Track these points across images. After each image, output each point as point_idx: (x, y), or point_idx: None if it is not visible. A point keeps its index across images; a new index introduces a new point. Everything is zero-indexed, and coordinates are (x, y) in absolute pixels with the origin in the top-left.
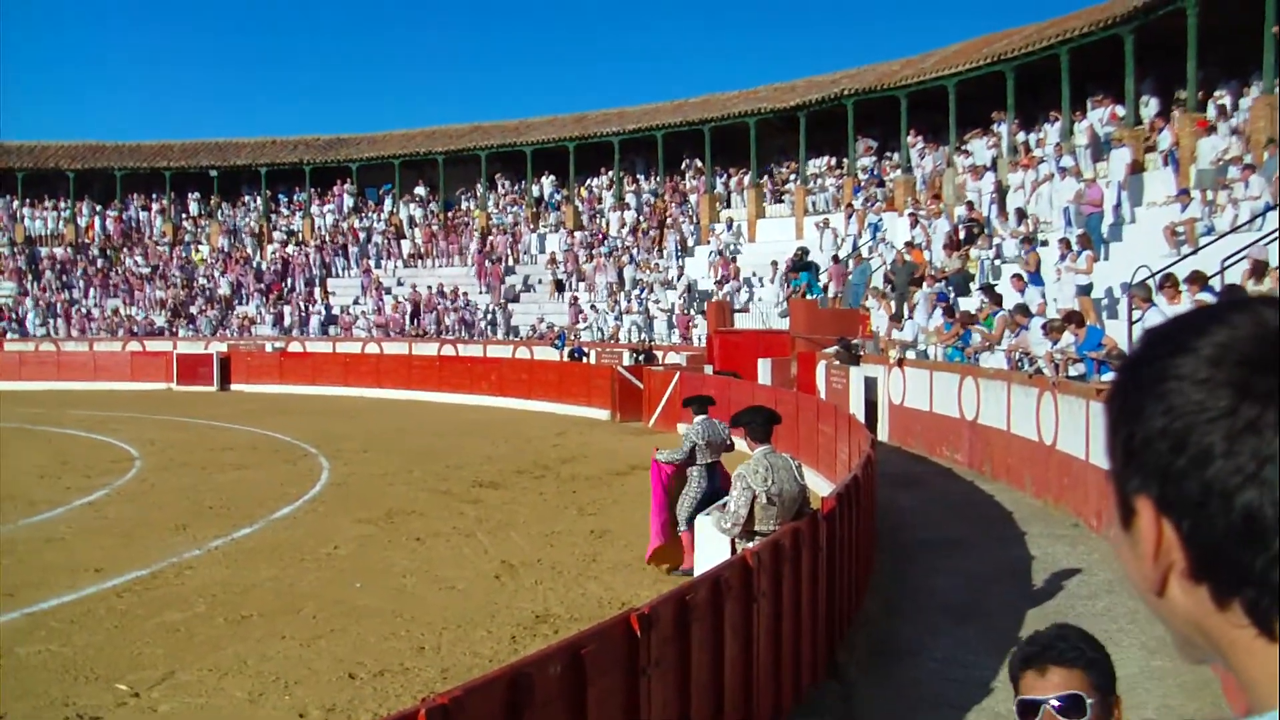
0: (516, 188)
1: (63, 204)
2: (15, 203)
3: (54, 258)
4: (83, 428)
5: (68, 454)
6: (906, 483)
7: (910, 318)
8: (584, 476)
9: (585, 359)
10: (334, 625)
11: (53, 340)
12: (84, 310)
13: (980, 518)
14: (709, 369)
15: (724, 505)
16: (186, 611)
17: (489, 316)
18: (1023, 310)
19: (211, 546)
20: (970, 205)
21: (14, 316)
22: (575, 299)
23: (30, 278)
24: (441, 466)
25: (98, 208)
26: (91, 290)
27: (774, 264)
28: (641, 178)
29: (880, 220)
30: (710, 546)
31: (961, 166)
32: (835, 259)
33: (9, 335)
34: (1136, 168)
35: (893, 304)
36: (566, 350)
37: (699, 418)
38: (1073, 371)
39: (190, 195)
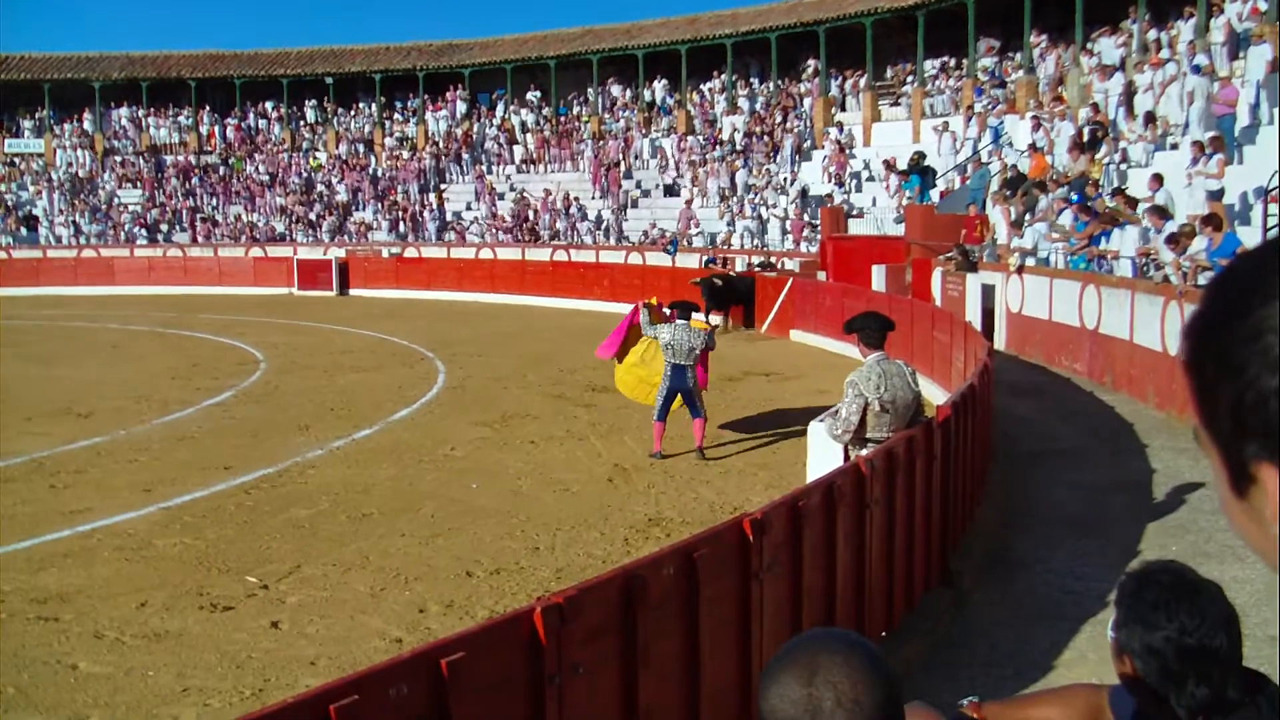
0: (629, 92)
1: (185, 112)
2: (141, 111)
3: (178, 165)
4: (210, 331)
5: (197, 356)
6: (1024, 392)
7: (1032, 224)
8: None
9: (718, 265)
10: (451, 524)
11: (179, 246)
12: (208, 217)
13: (1100, 429)
14: (822, 275)
15: (836, 412)
16: (311, 509)
17: (601, 222)
18: (1160, 212)
19: (333, 446)
20: (1095, 107)
21: (144, 222)
22: (688, 203)
23: (156, 185)
24: (555, 371)
25: (218, 116)
26: (215, 197)
27: (889, 168)
28: (755, 81)
29: (1001, 123)
30: (822, 453)
31: (1088, 67)
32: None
33: (139, 241)
34: (1278, 65)
35: (1012, 210)
36: (703, 259)
37: (679, 321)
38: (1201, 280)
39: (307, 102)
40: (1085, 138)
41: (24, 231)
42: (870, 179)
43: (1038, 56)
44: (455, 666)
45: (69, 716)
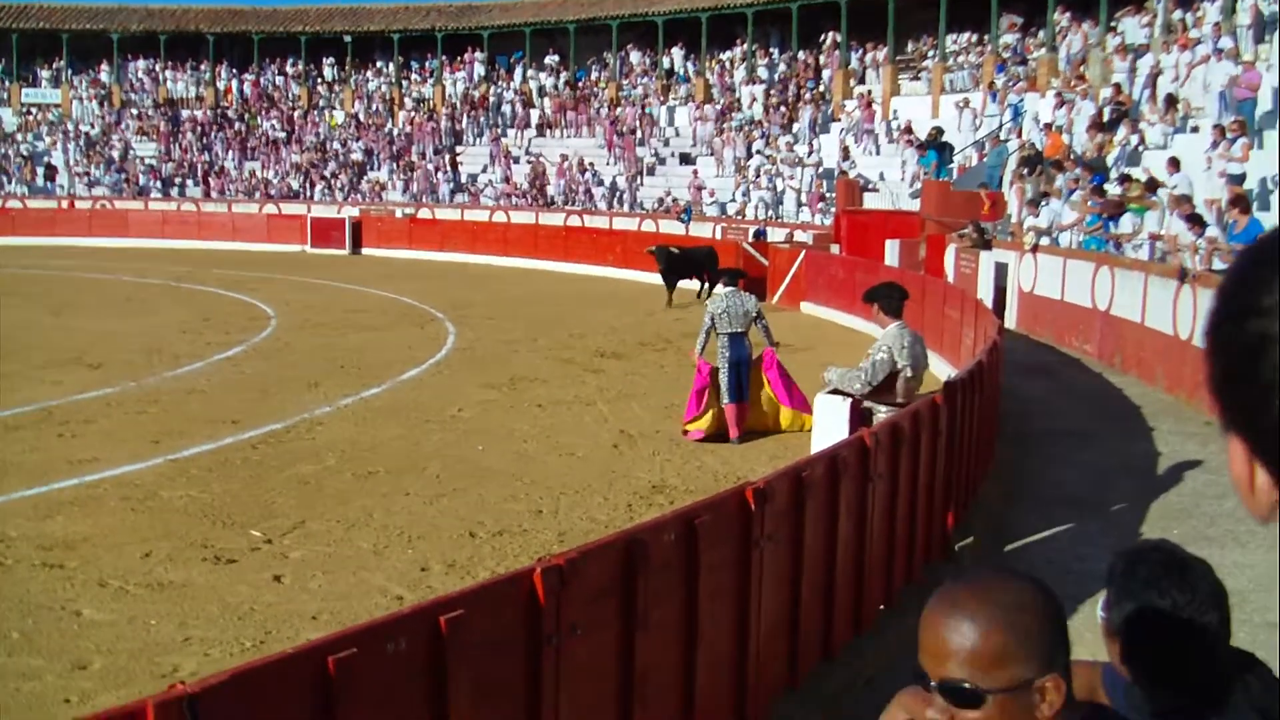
0: (647, 59)
1: (203, 67)
2: (158, 65)
3: (195, 120)
4: (222, 286)
5: (209, 311)
6: (1033, 371)
7: (1047, 203)
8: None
9: (766, 238)
10: (456, 485)
11: (193, 201)
12: (222, 171)
13: (1107, 410)
14: (835, 248)
15: (857, 368)
16: (317, 465)
17: (616, 189)
18: (1186, 199)
19: (341, 404)
20: (1118, 88)
21: (159, 175)
22: (695, 172)
23: (172, 139)
24: (565, 336)
25: (235, 71)
26: (230, 152)
27: (906, 138)
28: (775, 51)
29: (1021, 101)
30: (828, 425)
31: (1111, 46)
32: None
33: (153, 194)
34: None
35: (1028, 188)
36: (752, 231)
37: (726, 289)
38: (1217, 264)
39: (325, 60)
40: (1105, 118)
41: (43, 182)
42: (880, 153)
43: (1060, 34)
44: (454, 623)
45: (71, 662)
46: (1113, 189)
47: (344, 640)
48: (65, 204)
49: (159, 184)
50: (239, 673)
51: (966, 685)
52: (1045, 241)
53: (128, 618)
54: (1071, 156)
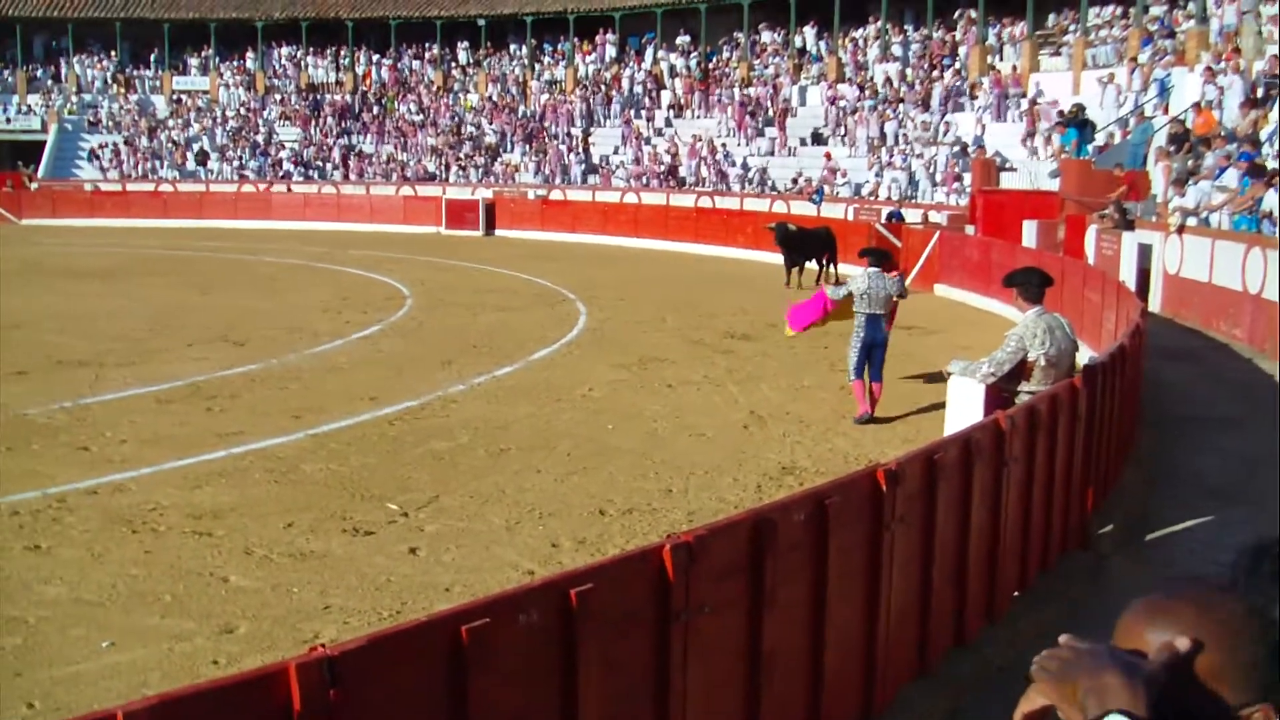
0: (779, 37)
1: (343, 53)
2: (299, 51)
3: (334, 104)
4: (360, 267)
5: (347, 291)
6: (1178, 356)
7: (1194, 182)
8: (836, 332)
9: (901, 219)
10: (586, 463)
11: (333, 184)
12: (361, 154)
13: (1257, 398)
14: (970, 229)
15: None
16: (451, 441)
17: (748, 170)
18: None
19: (475, 382)
20: (1278, 59)
21: (300, 160)
22: (828, 155)
23: (314, 124)
24: (695, 316)
25: (374, 56)
26: (368, 136)
27: (1045, 120)
28: (909, 28)
29: (1168, 76)
30: (961, 408)
31: (1267, 15)
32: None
33: (294, 178)
34: None
35: (1174, 167)
36: (885, 212)
37: (871, 269)
38: None
39: (459, 44)
40: (1259, 93)
41: (195, 166)
42: (1018, 131)
43: (1212, 5)
44: (584, 597)
45: (220, 626)
46: (1270, 165)
47: (477, 610)
48: (213, 188)
49: (301, 167)
50: (376, 638)
51: None
52: (1192, 222)
53: (271, 585)
54: (1222, 134)
